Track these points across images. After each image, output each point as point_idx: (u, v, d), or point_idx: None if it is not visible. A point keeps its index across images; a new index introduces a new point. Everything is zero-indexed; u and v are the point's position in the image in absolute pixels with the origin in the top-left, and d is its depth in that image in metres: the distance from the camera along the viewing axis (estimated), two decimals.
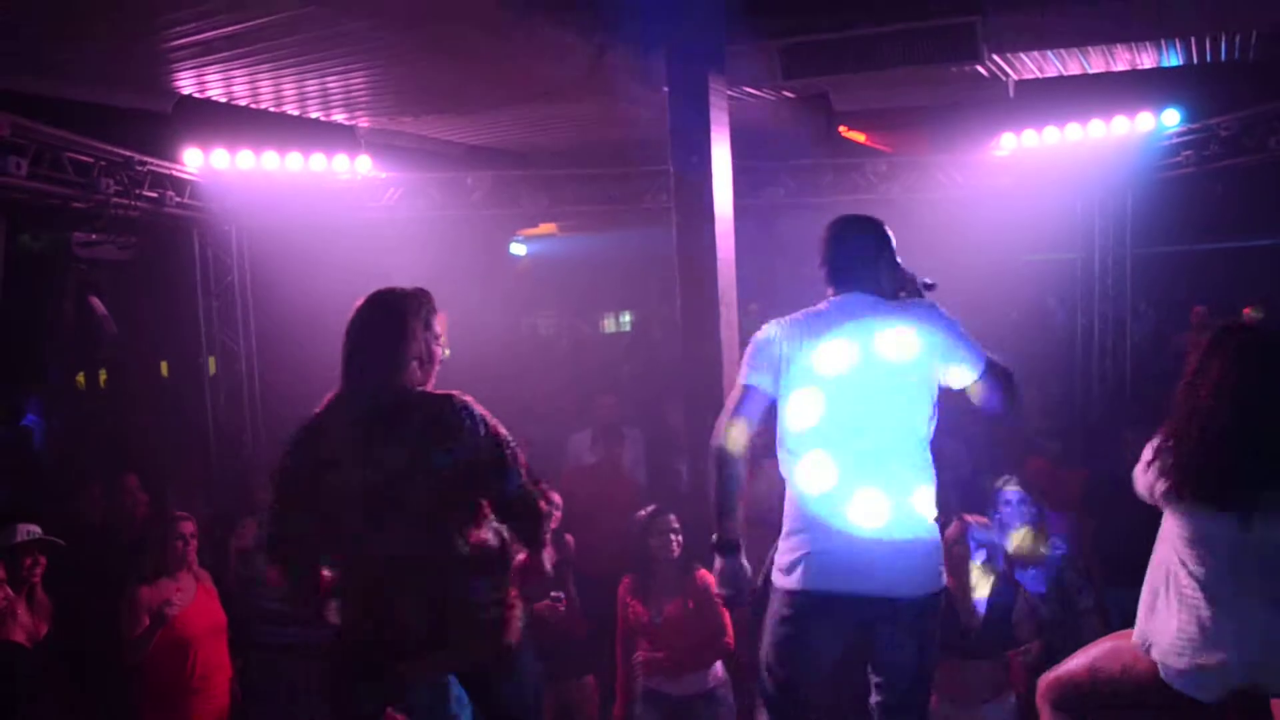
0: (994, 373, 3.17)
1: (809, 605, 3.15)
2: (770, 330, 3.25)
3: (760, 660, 3.29)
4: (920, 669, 3.21)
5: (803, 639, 3.19)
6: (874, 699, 3.25)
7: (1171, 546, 2.94)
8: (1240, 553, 2.82)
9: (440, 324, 3.10)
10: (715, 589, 4.06)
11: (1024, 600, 4.63)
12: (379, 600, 2.93)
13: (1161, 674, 2.93)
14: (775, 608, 3.24)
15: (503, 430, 2.97)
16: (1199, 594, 2.86)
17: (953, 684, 4.51)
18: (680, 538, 4.98)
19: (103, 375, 10.02)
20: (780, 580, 3.21)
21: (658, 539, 4.95)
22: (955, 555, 4.59)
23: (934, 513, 3.19)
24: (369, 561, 2.92)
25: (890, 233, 3.34)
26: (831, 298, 3.29)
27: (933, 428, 3.20)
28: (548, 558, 3.46)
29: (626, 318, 16.03)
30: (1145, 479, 2.97)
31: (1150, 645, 2.97)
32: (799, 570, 3.15)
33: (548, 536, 4.73)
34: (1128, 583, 3.26)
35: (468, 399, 2.95)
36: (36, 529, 4.93)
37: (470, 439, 2.88)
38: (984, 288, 9.57)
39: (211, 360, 8.41)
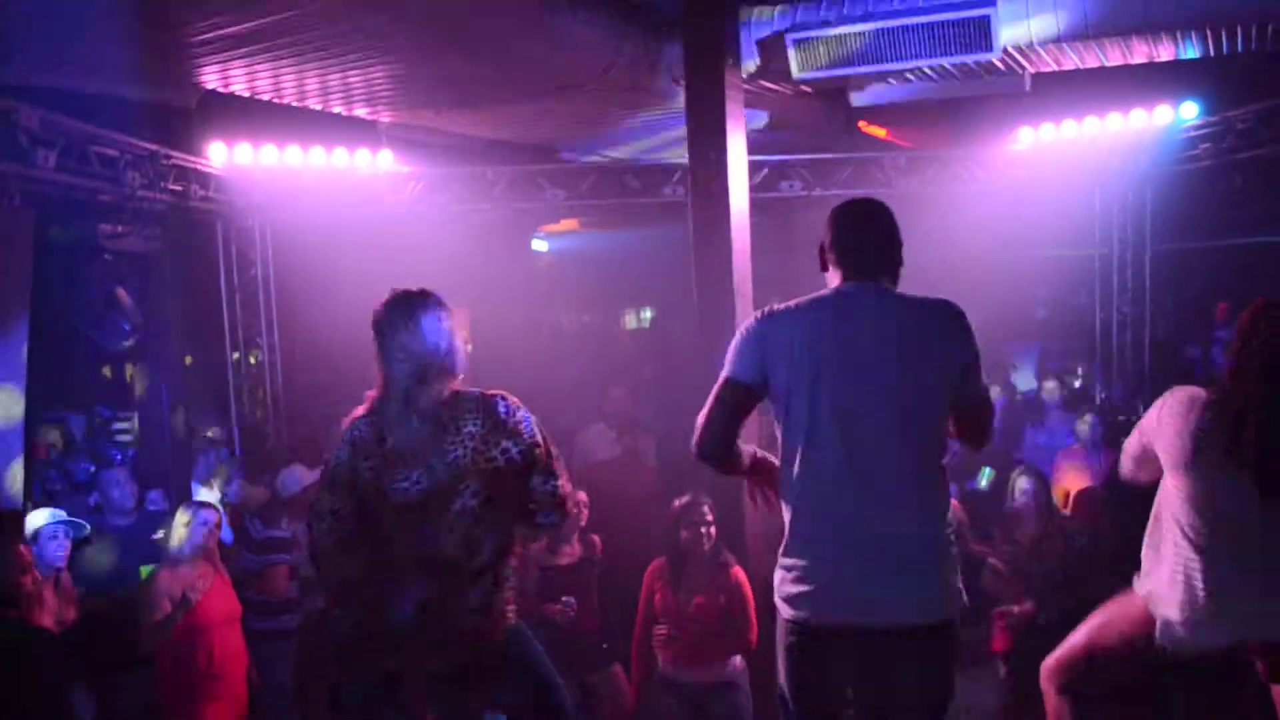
0: (986, 403, 2.86)
1: (812, 636, 2.81)
2: (760, 319, 2.86)
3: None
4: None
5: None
6: None
7: (1178, 508, 3.04)
8: (1252, 521, 2.92)
9: (460, 320, 3.16)
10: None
11: (989, 571, 4.66)
12: (390, 597, 2.97)
13: (1159, 635, 3.04)
14: (780, 636, 2.91)
15: (544, 431, 3.06)
16: (1200, 556, 2.96)
17: None
18: (713, 530, 5.01)
19: (130, 370, 10.17)
20: (783, 610, 2.85)
21: (689, 531, 4.98)
22: None
23: (946, 531, 2.79)
24: (403, 565, 2.96)
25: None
26: (841, 285, 2.88)
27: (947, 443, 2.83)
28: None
29: (647, 314, 16.08)
30: (1152, 438, 3.10)
31: (1153, 604, 3.08)
32: (800, 600, 2.79)
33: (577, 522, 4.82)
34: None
35: (514, 399, 3.03)
36: (61, 513, 5.03)
37: (526, 436, 2.98)
38: (1003, 282, 9.57)
39: (235, 353, 8.53)
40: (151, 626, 4.91)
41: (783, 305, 2.87)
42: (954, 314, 2.79)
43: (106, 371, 10.11)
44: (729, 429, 2.83)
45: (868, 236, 2.89)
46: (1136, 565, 3.23)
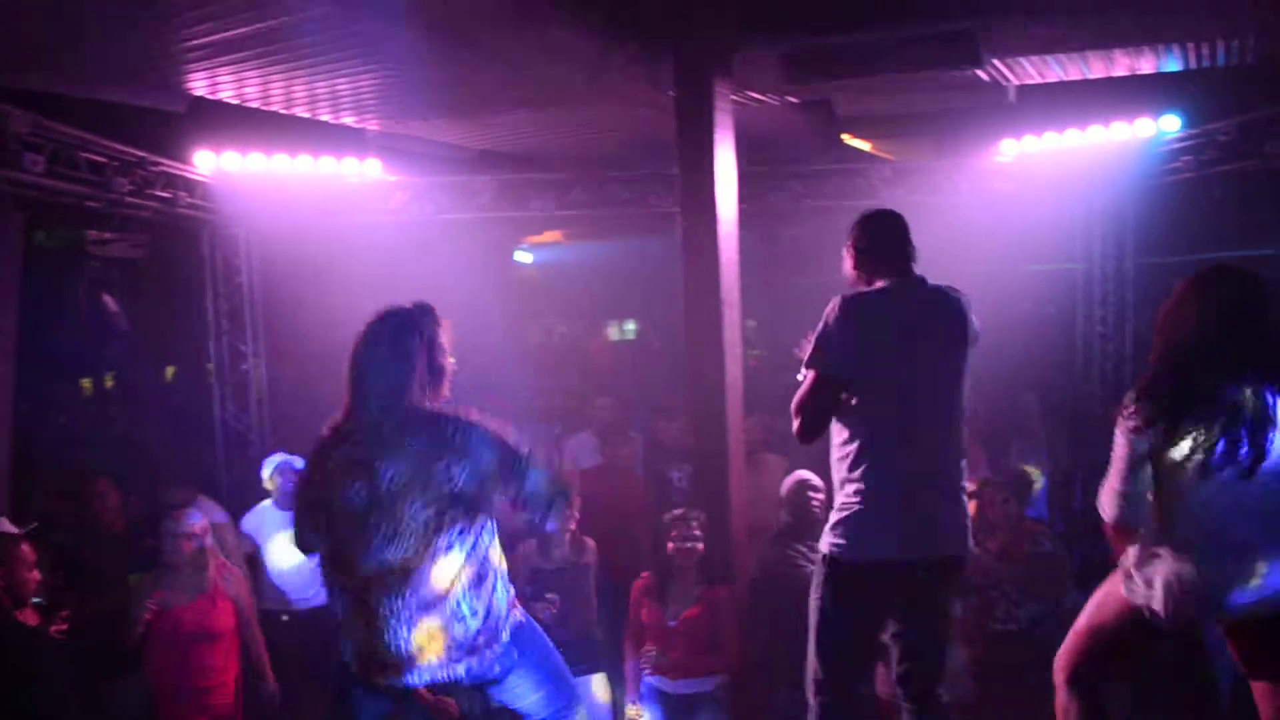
0: None
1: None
2: (836, 312, 3.39)
3: None
4: None
5: None
6: None
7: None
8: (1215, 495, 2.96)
9: (446, 334, 3.14)
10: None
11: None
12: (367, 619, 2.97)
13: (1143, 609, 3.06)
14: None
15: (510, 438, 3.01)
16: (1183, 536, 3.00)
17: None
18: (700, 545, 5.06)
19: (108, 379, 10.08)
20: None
21: (678, 545, 5.03)
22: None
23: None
24: (362, 579, 2.97)
25: None
26: (887, 284, 3.50)
27: None
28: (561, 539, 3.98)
29: (630, 326, 16.10)
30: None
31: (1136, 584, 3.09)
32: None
33: (567, 525, 4.83)
34: None
35: (474, 416, 3.00)
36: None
37: (476, 456, 2.93)
38: (987, 295, 9.61)
39: (218, 362, 8.47)
40: (127, 630, 4.99)
41: (850, 298, 3.45)
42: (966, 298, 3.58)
43: (86, 383, 10.04)
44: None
45: (893, 240, 3.62)
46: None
